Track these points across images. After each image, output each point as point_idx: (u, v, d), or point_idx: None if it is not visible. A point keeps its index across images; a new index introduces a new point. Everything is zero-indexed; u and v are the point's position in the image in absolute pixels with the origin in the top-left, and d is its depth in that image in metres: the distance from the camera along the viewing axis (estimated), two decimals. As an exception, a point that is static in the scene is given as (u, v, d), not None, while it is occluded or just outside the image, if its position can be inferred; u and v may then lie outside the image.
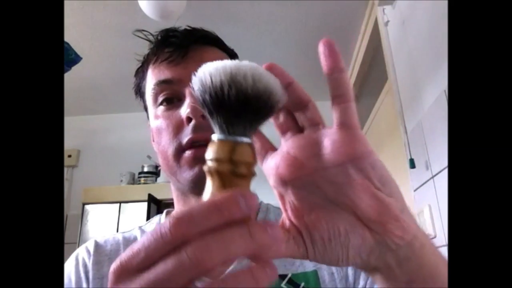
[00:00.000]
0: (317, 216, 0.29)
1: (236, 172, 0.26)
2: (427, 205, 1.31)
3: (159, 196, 2.69)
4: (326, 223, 0.29)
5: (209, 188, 0.27)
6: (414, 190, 1.45)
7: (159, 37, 0.59)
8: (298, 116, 0.33)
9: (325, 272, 0.51)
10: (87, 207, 2.70)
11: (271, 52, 2.30)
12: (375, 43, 2.08)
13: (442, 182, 1.20)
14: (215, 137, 0.27)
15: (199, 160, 0.50)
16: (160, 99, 0.55)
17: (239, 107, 0.26)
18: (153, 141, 0.59)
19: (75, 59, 1.39)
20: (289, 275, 0.50)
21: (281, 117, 0.32)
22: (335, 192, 0.29)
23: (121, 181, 2.83)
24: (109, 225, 2.62)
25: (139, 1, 1.66)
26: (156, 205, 2.69)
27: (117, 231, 2.65)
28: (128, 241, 0.58)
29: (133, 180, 2.87)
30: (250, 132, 0.28)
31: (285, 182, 0.30)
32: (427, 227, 1.29)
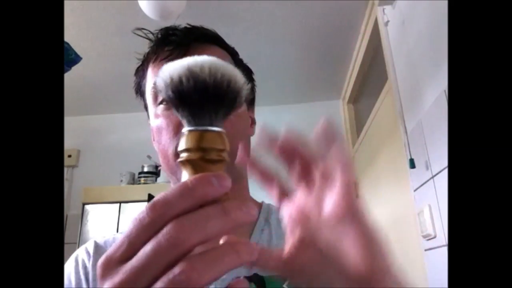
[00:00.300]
0: (308, 268, 0.31)
1: (206, 158, 0.27)
2: (427, 205, 1.31)
3: (159, 196, 2.70)
4: (312, 276, 0.31)
5: (184, 178, 0.27)
6: (414, 190, 1.45)
7: (159, 36, 0.58)
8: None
9: None
10: (87, 207, 2.70)
11: (271, 52, 2.30)
12: (375, 43, 2.08)
13: (442, 182, 1.20)
14: (184, 129, 0.28)
15: None
16: (160, 98, 0.55)
17: (200, 98, 0.27)
18: (154, 140, 0.59)
19: (75, 59, 1.39)
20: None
21: (297, 166, 0.33)
22: (327, 248, 0.31)
23: (121, 181, 2.83)
24: (109, 225, 2.62)
25: (139, 1, 1.66)
26: (156, 205, 2.69)
27: (117, 231, 2.65)
28: None
29: (133, 180, 2.87)
30: (217, 121, 0.28)
31: (294, 231, 0.33)
32: (427, 227, 1.29)
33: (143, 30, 0.59)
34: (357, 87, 2.68)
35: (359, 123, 2.79)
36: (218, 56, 0.55)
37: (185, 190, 0.24)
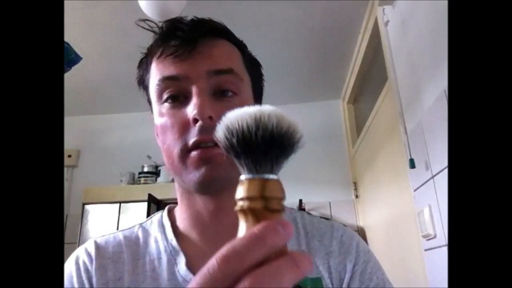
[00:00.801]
0: None
1: (269, 207, 0.27)
2: (427, 205, 1.31)
3: (159, 196, 2.69)
4: None
5: (243, 227, 0.28)
6: (414, 190, 1.45)
7: (164, 28, 0.55)
8: None
9: (328, 280, 0.52)
10: (87, 207, 2.70)
11: (271, 52, 2.30)
12: (375, 43, 2.08)
13: (442, 182, 1.20)
14: (244, 177, 0.29)
15: (205, 161, 0.48)
16: (165, 96, 0.52)
17: (265, 147, 0.28)
18: (157, 135, 0.57)
19: (75, 59, 1.39)
20: None
21: None
22: None
23: (121, 181, 2.83)
24: (109, 225, 2.62)
25: (139, 1, 1.66)
26: (156, 205, 2.69)
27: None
28: (130, 241, 0.56)
29: (133, 180, 2.87)
30: (277, 169, 0.29)
31: None
32: (427, 227, 1.29)
33: (146, 22, 0.55)
34: (357, 87, 2.67)
35: (359, 123, 2.79)
36: (226, 50, 0.55)
37: (256, 240, 0.25)
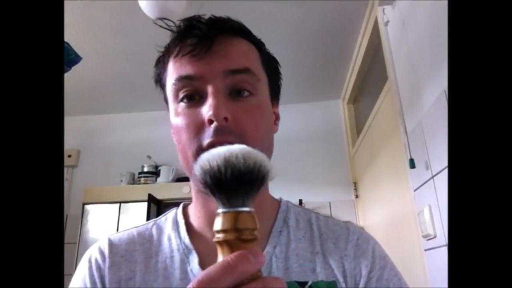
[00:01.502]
0: None
1: (241, 238, 0.30)
2: (427, 205, 1.31)
3: (159, 196, 2.69)
4: None
5: (220, 257, 0.30)
6: (414, 190, 1.45)
7: (181, 27, 0.55)
8: None
9: (342, 284, 0.51)
10: (87, 207, 2.70)
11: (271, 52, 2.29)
12: (375, 43, 2.08)
13: (442, 182, 1.20)
14: (219, 210, 0.32)
15: None
16: (181, 95, 0.52)
17: (235, 183, 0.31)
18: (173, 134, 0.56)
19: (75, 59, 1.39)
20: (309, 283, 0.50)
21: None
22: None
23: (121, 181, 2.83)
24: (109, 225, 2.62)
25: (139, 1, 1.66)
26: (156, 205, 2.69)
27: (117, 231, 2.63)
28: (143, 238, 0.56)
29: (133, 180, 2.87)
30: (248, 202, 0.32)
31: None
32: (427, 227, 1.29)
33: (164, 21, 0.55)
34: (357, 87, 2.67)
35: (359, 123, 2.79)
36: (243, 48, 0.55)
37: (227, 267, 0.28)
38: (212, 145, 0.47)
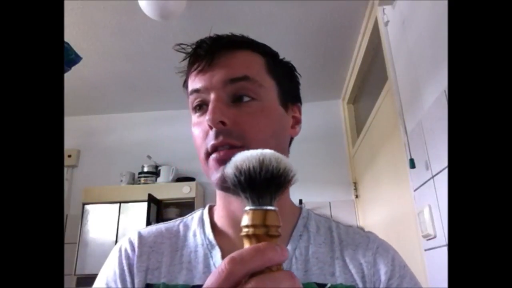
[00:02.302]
0: None
1: (269, 233, 0.33)
2: (427, 205, 1.31)
3: (159, 196, 2.69)
4: None
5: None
6: (414, 190, 1.45)
7: (192, 51, 0.61)
8: None
9: None
10: (87, 207, 2.70)
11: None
12: (375, 43, 2.08)
13: (442, 182, 1.20)
14: (248, 207, 0.35)
15: (222, 162, 0.52)
16: (194, 106, 0.58)
17: (266, 184, 0.35)
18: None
19: (75, 59, 1.39)
20: (328, 285, 0.52)
21: None
22: None
23: (121, 181, 2.83)
24: (109, 225, 2.62)
25: (139, 1, 1.66)
26: (156, 205, 2.69)
27: (117, 231, 2.64)
28: (170, 233, 0.60)
29: (133, 180, 2.87)
30: (274, 202, 0.35)
31: None
32: (427, 227, 1.29)
33: (181, 45, 0.61)
34: (357, 87, 2.67)
35: (359, 123, 2.79)
36: (244, 58, 0.59)
37: (258, 252, 0.31)
38: (214, 147, 0.53)
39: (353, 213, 2.70)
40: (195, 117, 0.58)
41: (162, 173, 2.81)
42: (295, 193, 2.40)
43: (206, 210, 0.63)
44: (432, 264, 1.31)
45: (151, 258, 0.56)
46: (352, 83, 2.63)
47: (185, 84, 0.63)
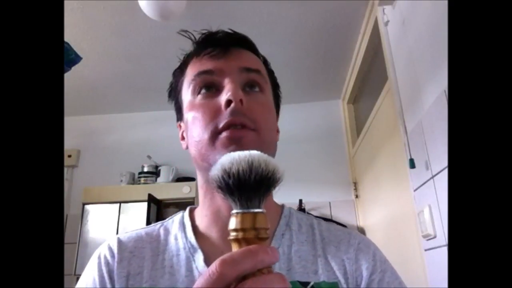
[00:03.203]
0: None
1: (259, 236, 0.33)
2: (427, 205, 1.31)
3: (159, 196, 2.69)
4: None
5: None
6: (414, 190, 1.45)
7: (202, 38, 0.61)
8: None
9: (344, 286, 0.52)
10: (87, 207, 2.70)
11: (271, 52, 2.28)
12: (375, 43, 2.08)
13: (442, 182, 1.20)
14: (236, 211, 0.34)
15: (235, 140, 0.51)
16: (200, 87, 0.57)
17: (256, 186, 0.34)
18: (182, 139, 0.62)
19: (75, 59, 1.39)
20: (312, 283, 0.51)
21: None
22: None
23: (121, 181, 2.83)
24: (109, 225, 2.62)
25: (139, 1, 1.66)
26: (156, 205, 2.69)
27: (117, 231, 2.65)
28: (151, 237, 0.59)
29: (133, 180, 2.87)
30: (263, 204, 0.35)
31: None
32: (427, 227, 1.29)
33: (187, 32, 0.62)
34: (357, 87, 2.67)
35: (359, 123, 2.79)
36: (254, 58, 0.61)
37: (249, 253, 0.31)
38: (228, 125, 0.52)
39: (353, 213, 2.70)
40: (197, 99, 0.57)
41: (162, 173, 2.81)
42: (295, 193, 2.40)
43: (186, 213, 0.62)
44: (432, 264, 1.31)
45: (132, 263, 0.55)
46: (352, 83, 2.63)
47: (178, 72, 0.63)
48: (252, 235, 0.33)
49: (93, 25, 2.09)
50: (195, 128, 0.55)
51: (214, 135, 0.53)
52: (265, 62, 0.65)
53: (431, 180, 1.27)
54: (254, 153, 0.36)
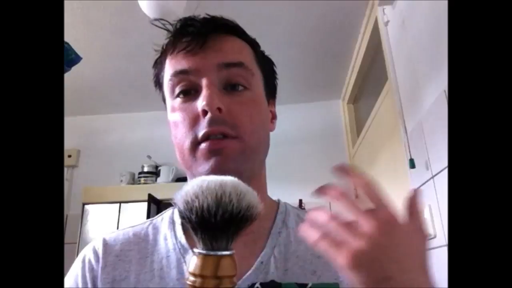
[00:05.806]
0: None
1: (221, 287, 0.27)
2: (427, 205, 1.31)
3: (159, 196, 2.69)
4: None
5: None
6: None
7: (177, 26, 0.56)
8: None
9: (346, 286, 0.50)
10: (87, 207, 2.70)
11: (271, 52, 2.28)
12: (375, 43, 2.08)
13: (442, 182, 1.20)
14: (198, 251, 0.29)
15: (214, 152, 0.49)
16: (177, 90, 0.53)
17: (224, 225, 0.28)
18: (172, 130, 0.58)
19: (75, 59, 1.39)
20: (310, 285, 0.49)
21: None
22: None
23: (121, 181, 2.83)
24: (109, 225, 2.62)
25: (139, 1, 1.66)
26: (156, 205, 2.69)
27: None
28: (139, 238, 0.56)
29: (133, 180, 2.87)
30: (231, 244, 0.29)
31: None
32: (427, 227, 1.30)
33: (161, 21, 0.56)
34: (357, 87, 2.67)
35: (359, 123, 2.79)
36: (237, 45, 0.55)
37: None
38: (206, 136, 0.49)
39: (353, 213, 2.70)
40: (176, 102, 0.53)
41: (162, 173, 2.81)
42: (295, 193, 2.39)
43: (176, 210, 0.58)
44: (432, 264, 1.31)
45: (117, 268, 0.52)
46: (352, 83, 2.63)
47: (159, 66, 0.58)
48: (212, 285, 0.27)
49: (93, 25, 2.09)
50: (177, 132, 0.53)
51: (194, 145, 0.50)
52: (253, 44, 0.59)
53: (431, 180, 1.27)
54: (228, 183, 0.30)
